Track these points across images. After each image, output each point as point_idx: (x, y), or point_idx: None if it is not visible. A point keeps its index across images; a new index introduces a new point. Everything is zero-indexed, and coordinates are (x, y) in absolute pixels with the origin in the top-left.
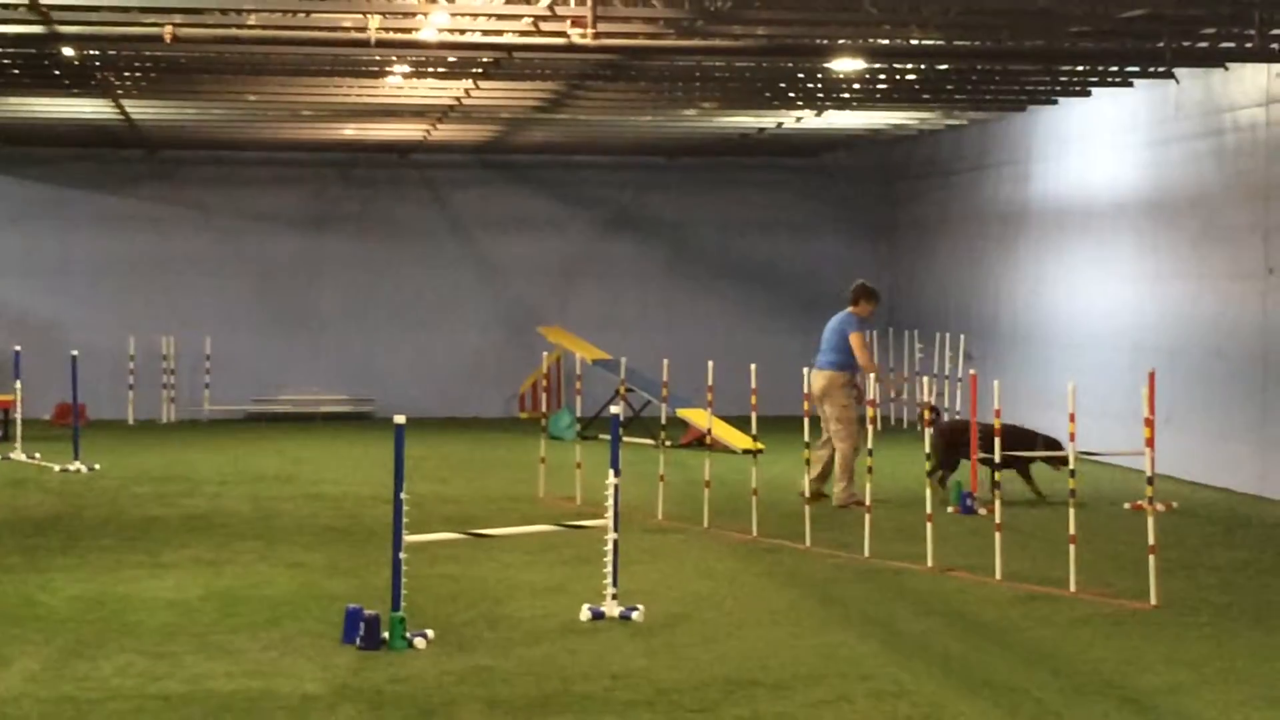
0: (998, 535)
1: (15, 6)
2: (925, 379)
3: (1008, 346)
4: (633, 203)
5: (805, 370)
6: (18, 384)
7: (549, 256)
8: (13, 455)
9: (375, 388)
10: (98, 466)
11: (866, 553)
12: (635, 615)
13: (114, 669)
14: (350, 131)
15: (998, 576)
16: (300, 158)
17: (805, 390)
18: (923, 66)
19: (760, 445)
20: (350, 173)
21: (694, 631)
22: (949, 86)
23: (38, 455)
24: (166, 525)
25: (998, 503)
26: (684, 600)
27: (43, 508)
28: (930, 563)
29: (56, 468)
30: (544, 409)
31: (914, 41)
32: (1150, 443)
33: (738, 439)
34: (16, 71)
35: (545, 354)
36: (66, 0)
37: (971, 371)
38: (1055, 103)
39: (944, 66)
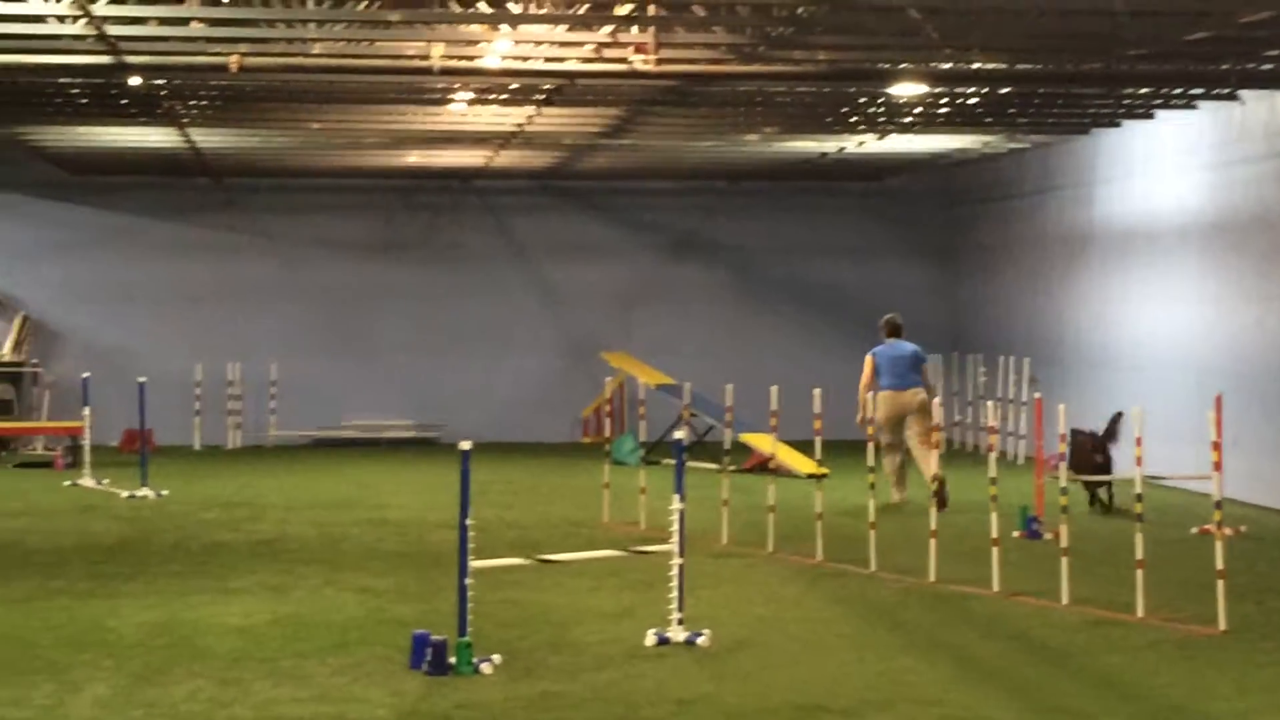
0: (1064, 560)
1: (84, 38)
2: (989, 404)
3: (1072, 370)
4: (695, 228)
5: (870, 395)
6: (86, 411)
7: (612, 282)
8: (81, 481)
9: (439, 413)
10: (165, 492)
11: (932, 577)
12: (701, 640)
13: (183, 695)
14: (413, 158)
15: (1064, 601)
16: (364, 185)
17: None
18: (985, 90)
19: (824, 470)
20: (413, 199)
21: (760, 657)
22: (1011, 110)
23: (106, 481)
24: (234, 551)
25: (1063, 527)
26: (749, 625)
27: (111, 534)
28: (996, 587)
29: (124, 494)
30: (607, 434)
31: (976, 65)
32: (1218, 466)
33: (802, 463)
34: (84, 101)
35: (608, 379)
36: (134, 31)
37: (1036, 395)
38: (1118, 125)
39: (1006, 90)
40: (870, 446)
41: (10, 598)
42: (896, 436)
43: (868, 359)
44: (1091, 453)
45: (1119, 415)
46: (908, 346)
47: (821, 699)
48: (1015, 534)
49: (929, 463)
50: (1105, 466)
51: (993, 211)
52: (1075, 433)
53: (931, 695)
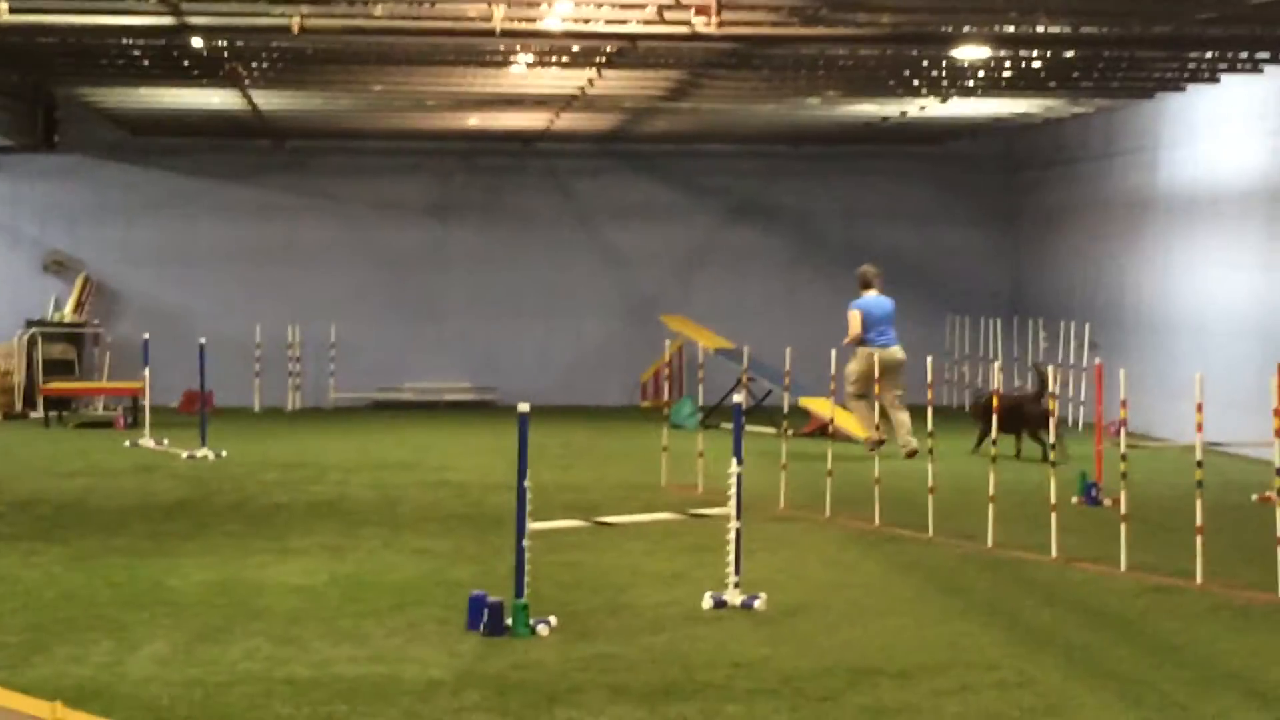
0: (1123, 526)
1: None
2: (1050, 368)
3: (1133, 335)
4: (755, 192)
5: (929, 359)
6: (146, 371)
7: (672, 245)
8: (141, 442)
9: (498, 376)
10: (225, 453)
11: (990, 543)
12: (757, 604)
13: (241, 653)
14: (474, 121)
15: (1123, 568)
16: (425, 147)
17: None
18: (1049, 54)
19: (883, 435)
20: (474, 162)
21: (816, 620)
22: (1075, 74)
23: (165, 442)
24: (292, 512)
25: (1123, 493)
26: (806, 589)
27: (171, 494)
28: (1055, 553)
29: (184, 454)
30: (666, 397)
31: (1041, 28)
32: (1279, 433)
33: (859, 428)
34: (146, 63)
35: (667, 342)
36: None
37: (1097, 361)
38: (1183, 89)
39: (1070, 53)
40: (930, 411)
41: (72, 556)
42: (869, 389)
43: (855, 313)
44: (1034, 404)
45: (1042, 367)
46: (888, 301)
47: (878, 663)
48: (1074, 500)
49: (904, 427)
50: (1045, 418)
51: (1055, 176)
52: (1005, 396)
53: (988, 660)
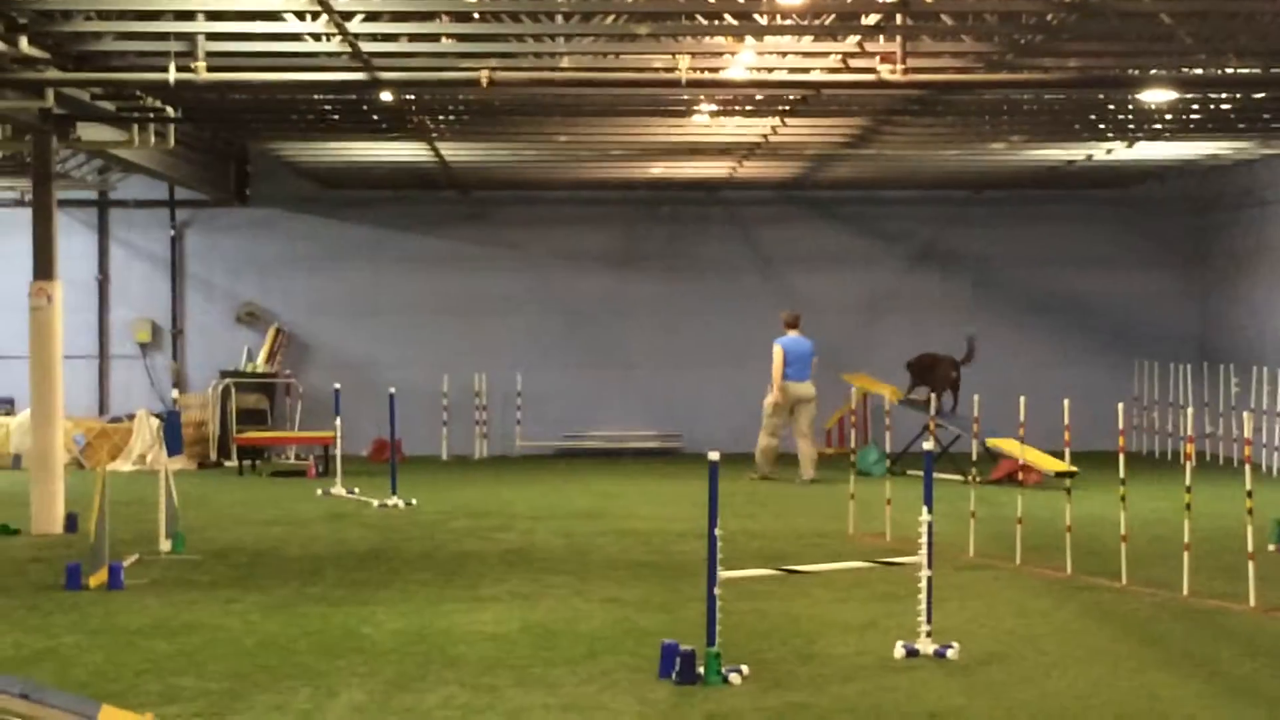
0: None
1: (339, 54)
2: (1244, 414)
3: None
4: (937, 237)
5: (1119, 405)
6: (338, 421)
7: (854, 291)
8: (333, 490)
9: (682, 423)
10: (414, 501)
11: (1185, 591)
12: (950, 653)
13: (437, 701)
14: (658, 170)
15: None
16: (608, 196)
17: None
18: (1238, 95)
19: (1074, 468)
20: (657, 210)
21: (1011, 670)
22: (1266, 115)
23: (357, 490)
24: (483, 559)
25: None
26: (999, 638)
27: (363, 542)
28: (1253, 602)
29: (375, 502)
30: (852, 445)
31: (1230, 70)
32: None
33: (1050, 463)
34: (337, 117)
35: (853, 389)
36: (387, 48)
37: None
38: None
39: (1261, 95)
40: (1121, 458)
41: (269, 604)
42: (783, 422)
43: (778, 348)
44: (949, 370)
45: (973, 336)
46: (806, 342)
47: (1075, 714)
48: (1270, 547)
49: (809, 460)
50: (957, 382)
51: (1245, 218)
52: (936, 356)
53: (1184, 712)
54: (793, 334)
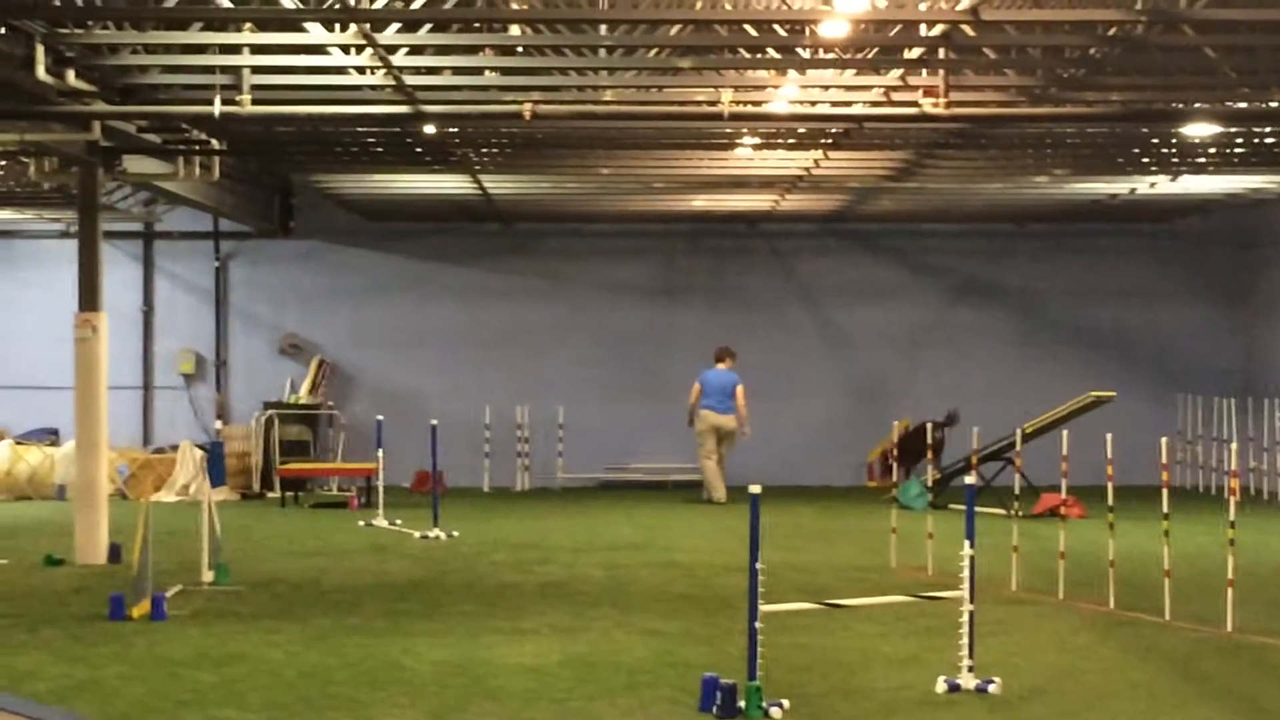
0: None
1: (383, 88)
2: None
3: None
4: (980, 271)
5: (1163, 440)
6: (380, 452)
7: (897, 324)
8: (375, 522)
9: None
10: (456, 533)
11: (1229, 627)
12: (992, 688)
13: None
14: (700, 203)
15: None
16: (650, 229)
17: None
18: None
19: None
20: (699, 243)
21: (1053, 706)
22: None
23: (399, 522)
24: (523, 592)
25: None
26: (1041, 673)
27: (405, 573)
28: None
29: (417, 534)
30: (894, 478)
31: (1274, 104)
32: None
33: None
34: (380, 149)
35: (895, 422)
36: (430, 81)
37: None
38: None
39: None
40: (1165, 493)
41: (310, 635)
42: (713, 447)
43: (696, 384)
44: (933, 431)
45: (954, 410)
46: (728, 375)
47: None
48: None
49: (721, 484)
50: (940, 445)
51: None
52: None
53: None
54: (721, 366)
